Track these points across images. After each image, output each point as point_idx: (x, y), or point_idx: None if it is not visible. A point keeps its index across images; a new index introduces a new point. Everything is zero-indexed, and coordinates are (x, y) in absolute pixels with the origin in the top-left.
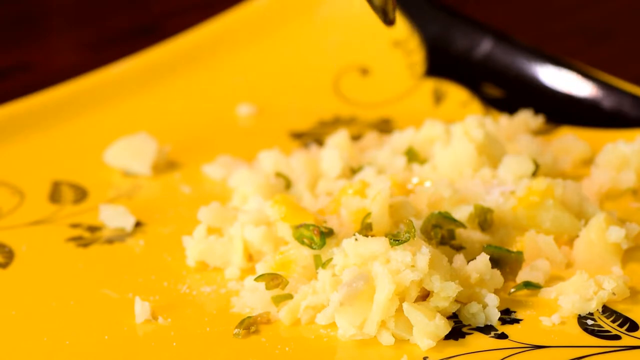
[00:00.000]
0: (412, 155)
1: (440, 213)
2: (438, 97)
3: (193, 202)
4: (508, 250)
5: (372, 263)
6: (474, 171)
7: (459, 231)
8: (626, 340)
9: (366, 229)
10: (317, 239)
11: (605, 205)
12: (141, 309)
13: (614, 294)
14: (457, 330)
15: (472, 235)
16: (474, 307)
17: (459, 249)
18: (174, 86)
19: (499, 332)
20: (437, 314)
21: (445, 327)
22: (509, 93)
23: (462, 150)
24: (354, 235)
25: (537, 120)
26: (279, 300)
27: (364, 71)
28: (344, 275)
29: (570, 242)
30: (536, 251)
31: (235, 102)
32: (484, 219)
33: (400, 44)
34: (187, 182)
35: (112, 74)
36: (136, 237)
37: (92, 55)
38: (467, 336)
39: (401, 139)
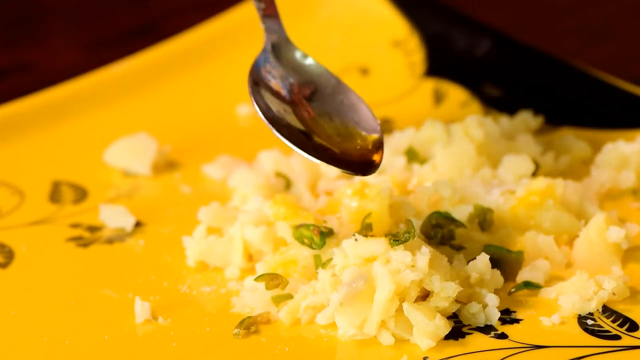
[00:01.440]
0: (412, 155)
1: (440, 213)
2: (438, 97)
3: (193, 202)
4: (508, 250)
5: (372, 263)
6: (474, 171)
7: (459, 231)
8: (626, 340)
9: (366, 229)
10: (317, 239)
11: (605, 205)
12: (141, 309)
13: (614, 294)
14: (457, 330)
15: (472, 235)
16: (474, 307)
17: (459, 249)
18: (174, 86)
19: (499, 332)
20: (437, 314)
21: (445, 327)
22: (509, 93)
23: (462, 150)
24: (354, 235)
25: (537, 121)
26: (279, 300)
27: (364, 71)
28: (344, 276)
29: (570, 242)
30: (536, 251)
31: (235, 102)
32: (484, 219)
33: (400, 44)
34: (187, 182)
35: (112, 74)
36: (136, 237)
37: (92, 55)
38: (467, 336)
39: (401, 139)
